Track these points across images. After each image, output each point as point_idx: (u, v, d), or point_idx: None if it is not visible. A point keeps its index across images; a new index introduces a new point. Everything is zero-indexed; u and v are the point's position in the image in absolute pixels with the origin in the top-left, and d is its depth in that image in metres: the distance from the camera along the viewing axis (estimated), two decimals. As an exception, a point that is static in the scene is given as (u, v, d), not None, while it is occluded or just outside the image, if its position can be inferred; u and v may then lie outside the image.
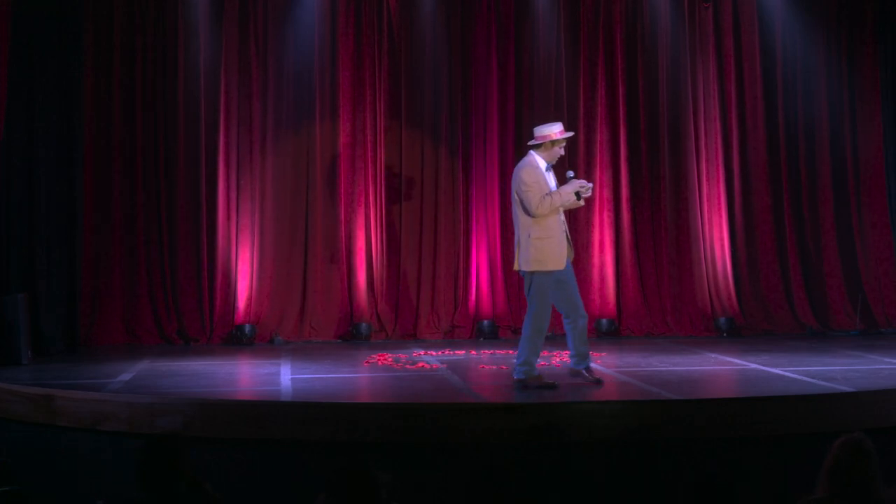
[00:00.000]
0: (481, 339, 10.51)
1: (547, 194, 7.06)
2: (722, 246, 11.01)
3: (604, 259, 10.90)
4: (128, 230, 10.38)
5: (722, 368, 8.40)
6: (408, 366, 8.48)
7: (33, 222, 9.28)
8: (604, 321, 10.71)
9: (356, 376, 8.09)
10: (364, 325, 10.50)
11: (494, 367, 8.42)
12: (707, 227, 11.03)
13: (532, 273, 7.08)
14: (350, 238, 10.70)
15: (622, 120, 10.98)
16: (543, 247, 7.04)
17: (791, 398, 6.57)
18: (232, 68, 10.56)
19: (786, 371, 7.87)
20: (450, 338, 10.52)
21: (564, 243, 7.14)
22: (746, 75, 11.19)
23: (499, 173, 10.85)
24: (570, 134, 7.37)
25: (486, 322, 10.65)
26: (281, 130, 10.66)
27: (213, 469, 5.66)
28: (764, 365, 8.24)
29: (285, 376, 7.85)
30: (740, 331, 10.72)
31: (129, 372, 8.05)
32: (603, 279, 10.87)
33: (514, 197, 7.20)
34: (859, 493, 3.75)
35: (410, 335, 10.56)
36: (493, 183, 10.85)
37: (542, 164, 7.20)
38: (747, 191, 11.14)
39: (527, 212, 7.06)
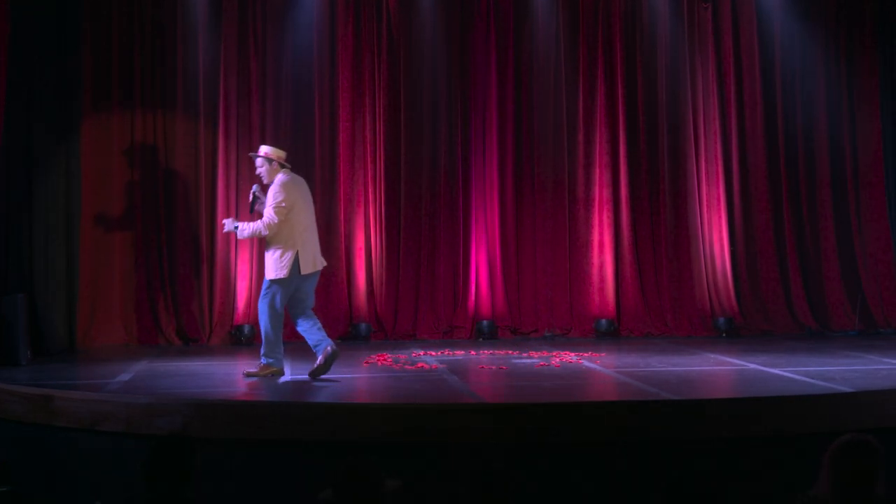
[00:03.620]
0: (480, 339, 10.51)
1: None
2: (721, 246, 11.01)
3: (603, 259, 10.90)
4: (127, 230, 10.38)
5: (721, 368, 8.39)
6: (407, 366, 8.46)
7: (32, 222, 9.27)
8: (603, 321, 10.71)
9: (355, 377, 8.09)
10: (363, 325, 10.50)
11: (494, 367, 8.41)
12: (706, 227, 11.03)
13: None
14: (349, 238, 10.70)
15: (621, 120, 10.98)
16: None
17: (789, 398, 6.56)
18: (231, 69, 10.57)
19: (784, 371, 7.86)
20: (449, 338, 10.52)
21: None
22: (745, 75, 11.19)
23: (498, 173, 10.86)
24: (252, 153, 8.10)
25: (485, 322, 10.65)
26: (280, 130, 10.66)
27: (212, 469, 5.65)
28: (762, 365, 8.23)
29: (284, 376, 7.85)
30: (739, 331, 10.72)
31: (128, 372, 8.04)
32: (602, 279, 10.87)
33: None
34: (860, 492, 3.74)
35: (410, 335, 10.55)
36: (493, 183, 10.86)
37: None
38: (746, 191, 11.15)
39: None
